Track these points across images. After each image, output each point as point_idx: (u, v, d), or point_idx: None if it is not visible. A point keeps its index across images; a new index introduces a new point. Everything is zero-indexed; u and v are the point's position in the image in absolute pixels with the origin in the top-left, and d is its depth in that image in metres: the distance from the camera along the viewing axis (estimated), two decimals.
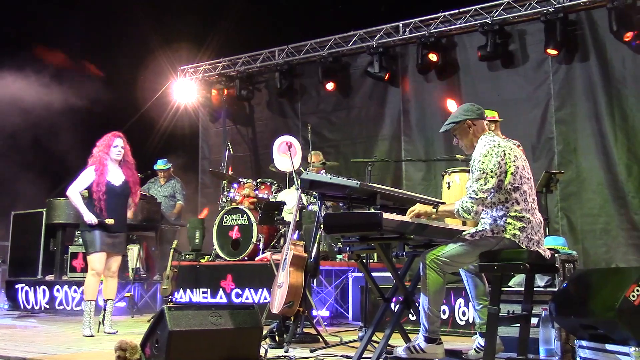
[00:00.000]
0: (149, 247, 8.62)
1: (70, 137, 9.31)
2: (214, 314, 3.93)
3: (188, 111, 11.24)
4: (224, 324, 3.93)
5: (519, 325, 3.93)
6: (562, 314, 3.90)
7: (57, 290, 8.32)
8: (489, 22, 8.28)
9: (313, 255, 5.22)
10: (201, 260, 7.91)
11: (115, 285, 6.10)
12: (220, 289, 7.36)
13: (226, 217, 7.72)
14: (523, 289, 4.07)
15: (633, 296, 3.47)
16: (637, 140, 7.55)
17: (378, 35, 9.24)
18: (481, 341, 4.05)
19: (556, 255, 4.31)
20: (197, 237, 8.11)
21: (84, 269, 7.82)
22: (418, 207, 3.89)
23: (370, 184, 4.05)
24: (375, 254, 6.57)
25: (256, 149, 10.70)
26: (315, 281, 7.02)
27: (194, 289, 7.59)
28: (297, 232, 6.51)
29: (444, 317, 5.74)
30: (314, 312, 6.19)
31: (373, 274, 4.58)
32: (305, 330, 5.39)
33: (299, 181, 6.41)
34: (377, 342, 4.10)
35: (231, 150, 9.13)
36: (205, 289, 7.51)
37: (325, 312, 6.99)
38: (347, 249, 4.16)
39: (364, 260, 5.43)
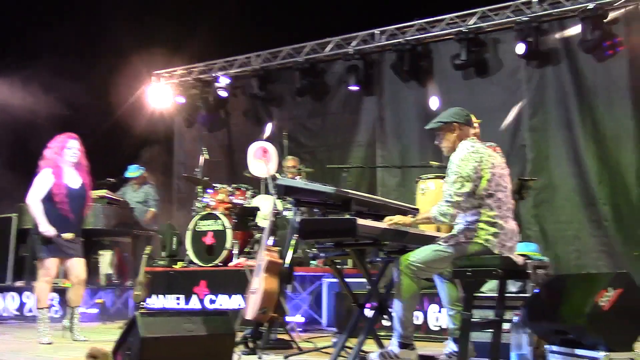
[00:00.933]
0: (121, 253, 8.54)
1: (41, 142, 9.18)
2: (187, 321, 3.90)
3: (163, 116, 11.15)
4: (197, 331, 3.90)
5: (491, 330, 3.96)
6: (533, 320, 3.94)
7: (27, 297, 8.18)
8: (464, 30, 8.38)
9: (287, 261, 5.21)
10: (174, 266, 7.85)
11: (82, 292, 5.96)
12: (194, 295, 7.30)
13: (200, 223, 7.67)
14: (495, 295, 4.11)
15: (603, 302, 3.52)
16: (607, 149, 7.69)
17: (354, 42, 9.28)
18: (454, 346, 4.08)
19: (528, 261, 4.35)
20: (174, 243, 8.04)
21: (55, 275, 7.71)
22: (396, 218, 3.93)
23: (345, 190, 4.07)
24: (349, 260, 6.59)
25: (231, 154, 10.66)
26: (289, 287, 7.00)
27: (167, 295, 7.52)
28: (271, 238, 6.50)
29: (418, 322, 5.76)
30: (288, 318, 6.18)
31: (347, 279, 4.59)
32: (279, 336, 5.37)
33: (274, 187, 6.40)
34: (351, 348, 4.10)
35: (206, 155, 9.09)
36: (178, 295, 7.45)
37: (299, 318, 6.98)
38: (322, 254, 4.17)
39: (339, 266, 5.44)
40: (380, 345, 4.27)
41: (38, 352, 5.04)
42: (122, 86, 10.66)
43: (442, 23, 8.68)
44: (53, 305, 7.67)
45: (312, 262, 7.13)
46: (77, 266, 5.82)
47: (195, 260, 7.59)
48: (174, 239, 8.03)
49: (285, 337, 5.31)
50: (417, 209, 4.38)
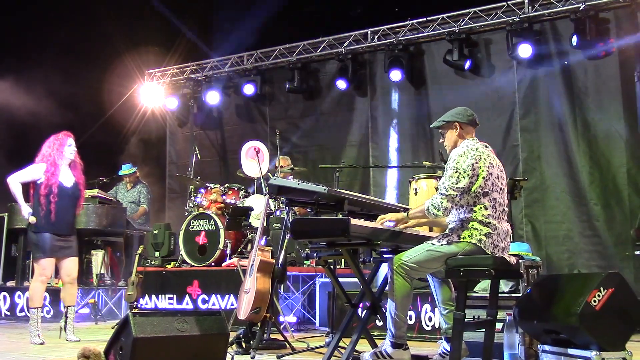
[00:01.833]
0: (113, 253, 8.51)
1: (32, 141, 9.14)
2: (179, 320, 3.88)
3: (155, 115, 11.13)
4: (189, 331, 3.89)
5: (484, 330, 3.96)
6: (525, 319, 3.95)
7: (19, 297, 8.13)
8: (456, 30, 8.40)
9: (280, 261, 5.20)
10: (167, 266, 7.82)
11: (75, 291, 5.96)
12: (187, 295, 7.28)
13: (193, 223, 7.65)
14: (488, 295, 4.12)
15: (594, 301, 3.53)
16: (598, 149, 7.72)
17: (347, 42, 9.29)
18: (447, 346, 4.08)
19: (520, 261, 4.36)
20: (171, 243, 8.01)
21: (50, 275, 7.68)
22: (389, 216, 3.96)
23: (338, 190, 4.06)
24: (342, 260, 6.58)
25: (224, 154, 10.65)
26: (282, 287, 6.99)
27: (160, 295, 7.50)
28: (264, 238, 6.48)
29: (411, 322, 5.76)
30: (281, 318, 6.17)
31: (340, 279, 4.59)
32: (272, 336, 5.37)
33: (266, 186, 6.39)
34: (344, 348, 4.10)
35: (199, 155, 9.06)
36: (171, 295, 7.43)
37: (292, 318, 6.98)
38: (315, 254, 4.16)
39: (332, 266, 5.43)
40: (374, 345, 4.27)
41: (29, 352, 5.01)
42: (114, 85, 10.62)
43: (434, 23, 8.69)
44: (45, 306, 7.64)
45: (305, 262, 7.12)
46: (70, 265, 5.82)
47: (188, 260, 7.57)
48: (172, 239, 8.00)
49: (278, 336, 5.31)
50: (409, 209, 4.38)
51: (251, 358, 4.63)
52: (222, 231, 7.37)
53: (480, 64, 8.56)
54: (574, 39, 7.67)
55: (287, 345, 5.09)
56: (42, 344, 5.48)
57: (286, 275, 5.88)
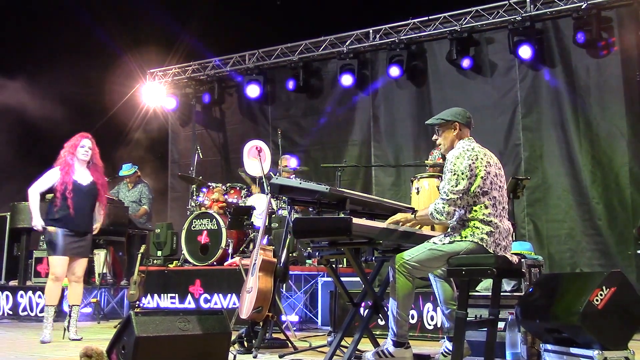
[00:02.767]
0: (116, 252, 8.51)
1: (36, 141, 9.18)
2: (181, 320, 3.89)
3: (157, 115, 11.15)
4: (192, 330, 3.89)
5: (486, 329, 3.96)
6: (527, 318, 3.95)
7: (21, 296, 8.15)
8: (458, 29, 8.39)
9: (282, 260, 5.21)
10: (169, 265, 7.83)
11: (81, 291, 6.00)
12: (189, 294, 7.29)
13: (195, 222, 7.66)
14: (490, 294, 4.12)
15: (597, 300, 3.53)
16: (600, 148, 7.71)
17: (348, 41, 9.28)
18: (449, 345, 4.08)
19: (522, 260, 4.36)
20: (174, 243, 8.02)
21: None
22: (398, 216, 3.98)
23: (340, 189, 4.06)
24: (344, 259, 6.58)
25: (226, 153, 10.66)
26: (284, 286, 6.99)
27: (162, 295, 7.51)
28: (266, 237, 6.49)
29: (413, 321, 5.77)
30: (283, 317, 6.17)
31: (342, 278, 4.59)
32: (274, 335, 5.37)
33: (268, 186, 6.39)
34: (346, 347, 4.10)
35: (201, 154, 9.07)
36: (173, 295, 7.44)
37: (294, 317, 6.98)
38: (317, 253, 4.16)
39: (334, 265, 5.43)
40: (376, 344, 4.27)
41: (31, 352, 5.01)
42: (116, 85, 10.63)
43: (436, 22, 8.68)
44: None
45: (307, 261, 7.12)
46: (80, 265, 5.87)
47: (190, 260, 7.58)
48: (175, 239, 8.01)
49: (280, 336, 5.31)
50: (412, 208, 4.38)
51: (253, 357, 4.63)
52: (224, 230, 7.38)
53: (482, 62, 8.56)
54: (576, 37, 7.65)
55: (289, 345, 5.10)
56: (50, 342, 5.51)
57: (288, 275, 5.88)
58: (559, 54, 8.05)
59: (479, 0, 8.42)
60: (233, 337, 4.72)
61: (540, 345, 3.96)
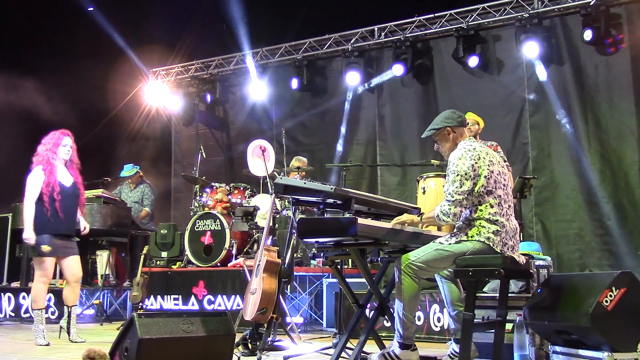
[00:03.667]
0: (118, 253, 8.53)
1: (35, 141, 9.19)
2: (185, 321, 3.90)
3: (160, 114, 11.17)
4: (195, 332, 3.90)
5: (493, 331, 3.95)
6: (536, 320, 3.94)
7: (23, 298, 8.17)
8: (464, 27, 8.37)
9: (287, 261, 5.21)
10: (172, 266, 7.84)
11: (78, 291, 5.95)
12: (192, 296, 7.30)
13: (198, 223, 7.67)
14: (497, 295, 4.11)
15: (606, 301, 3.52)
16: (609, 147, 7.68)
17: (353, 39, 9.28)
18: (456, 347, 4.08)
19: (530, 260, 4.35)
20: (181, 244, 8.01)
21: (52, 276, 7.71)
22: (405, 217, 4.00)
23: (345, 189, 4.06)
24: (349, 260, 6.58)
25: (230, 153, 10.67)
26: (289, 287, 7.00)
27: (165, 296, 7.52)
28: (270, 238, 6.49)
29: (419, 323, 5.76)
30: (288, 319, 6.18)
31: (347, 279, 4.59)
32: (278, 337, 5.37)
33: (272, 186, 6.40)
34: (352, 349, 4.10)
35: (204, 154, 9.08)
36: (176, 296, 7.45)
37: (299, 319, 6.98)
38: (322, 254, 4.16)
39: (339, 266, 5.43)
40: (382, 346, 4.27)
41: (34, 354, 5.03)
42: (118, 84, 10.65)
43: (442, 20, 8.67)
44: (50, 307, 7.67)
45: (311, 262, 7.12)
46: (73, 264, 5.81)
47: (194, 261, 7.58)
48: (182, 240, 8.02)
49: (285, 337, 5.31)
50: (419, 208, 4.38)
51: (257, 359, 4.63)
52: (227, 231, 7.38)
53: (489, 60, 8.54)
54: (585, 34, 7.63)
55: (294, 347, 5.09)
56: (48, 345, 5.50)
57: (293, 276, 5.88)
58: (567, 51, 8.02)
59: None
60: (237, 339, 4.72)
61: (549, 347, 3.95)
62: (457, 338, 4.02)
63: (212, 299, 7.16)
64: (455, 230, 3.93)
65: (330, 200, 3.94)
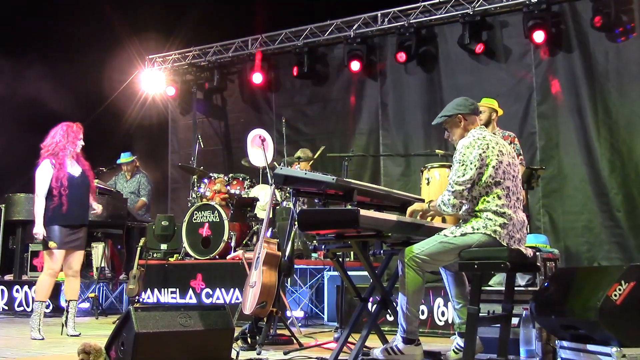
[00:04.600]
0: (114, 245, 8.54)
1: (30, 129, 9.19)
2: (183, 315, 3.91)
3: (156, 103, 11.14)
4: (193, 326, 3.91)
5: (499, 325, 3.97)
6: (542, 314, 3.95)
7: (17, 291, 8.20)
8: (470, 12, 8.33)
9: (287, 253, 5.22)
10: (170, 258, 7.85)
11: (78, 285, 6.03)
12: (190, 289, 7.31)
13: (196, 214, 7.68)
14: (503, 289, 4.12)
15: (615, 295, 3.52)
16: (620, 136, 7.66)
17: (356, 25, 9.25)
18: (460, 342, 4.09)
19: (537, 253, 4.36)
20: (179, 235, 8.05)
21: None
22: (416, 206, 4.07)
23: (347, 180, 4.06)
24: (352, 253, 6.59)
25: (228, 142, 10.65)
26: (289, 281, 7.01)
27: (162, 289, 7.54)
28: (270, 230, 6.49)
29: (423, 317, 5.78)
30: (288, 313, 6.19)
31: (349, 273, 4.60)
32: (278, 331, 5.39)
33: (272, 176, 6.39)
34: (354, 344, 4.11)
35: (202, 144, 9.07)
36: (174, 289, 7.47)
37: (299, 313, 7.00)
38: (323, 247, 4.16)
39: (340, 259, 5.44)
40: (384, 341, 4.28)
41: (28, 348, 5.05)
42: (114, 72, 10.63)
43: (447, 5, 8.63)
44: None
45: (312, 254, 7.14)
46: (76, 258, 5.90)
47: (192, 253, 7.60)
48: (182, 230, 8.03)
49: (285, 332, 5.33)
50: (422, 199, 4.38)
51: (257, 354, 4.65)
52: (226, 223, 7.39)
53: (496, 47, 8.49)
54: (594, 21, 7.59)
55: (294, 341, 5.12)
56: (42, 339, 5.53)
57: (293, 269, 5.89)
58: (576, 38, 7.98)
59: None
60: (236, 334, 4.73)
61: (556, 342, 3.96)
62: (462, 332, 4.03)
63: (211, 292, 7.18)
64: (460, 222, 3.93)
65: (332, 192, 3.94)
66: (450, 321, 5.65)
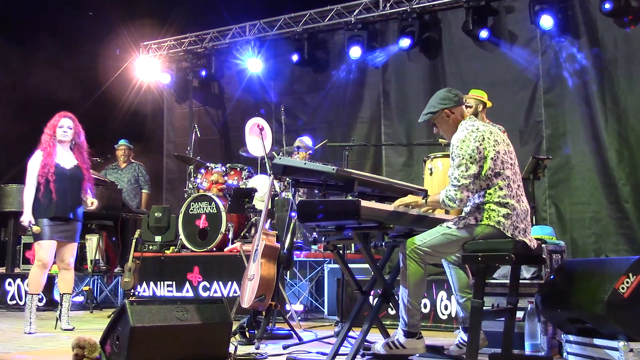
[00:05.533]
0: (109, 237, 8.55)
1: (22, 119, 9.18)
2: (179, 309, 3.92)
3: (151, 90, 11.13)
4: (190, 319, 3.92)
5: (503, 319, 3.98)
6: (548, 307, 3.96)
7: (9, 284, 8.21)
8: None
9: (286, 245, 5.22)
10: (166, 251, 7.86)
11: (72, 278, 6.04)
12: (187, 282, 7.33)
13: (193, 205, 7.68)
14: (508, 281, 4.12)
15: (622, 288, 3.53)
16: (628, 125, 7.65)
17: (357, 11, 9.22)
18: (464, 336, 4.10)
19: (543, 245, 4.36)
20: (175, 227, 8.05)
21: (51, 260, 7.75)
22: (409, 198, 3.98)
23: (348, 170, 4.06)
24: (352, 245, 6.60)
25: (225, 132, 10.64)
26: (288, 273, 7.03)
27: (158, 282, 7.55)
28: (269, 221, 6.50)
29: (425, 310, 5.79)
30: (287, 306, 6.21)
31: (350, 265, 4.61)
32: (277, 325, 5.41)
33: (270, 166, 6.39)
34: (354, 338, 4.12)
35: (198, 133, 9.07)
36: (170, 282, 7.48)
37: (299, 306, 7.02)
38: (323, 239, 4.17)
39: (341, 251, 5.45)
40: (386, 334, 4.30)
41: (21, 343, 5.06)
42: (107, 59, 10.60)
43: None
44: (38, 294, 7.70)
45: (312, 246, 7.15)
46: (68, 251, 5.92)
47: (188, 245, 7.61)
48: (178, 222, 8.04)
49: (284, 326, 5.34)
50: (425, 190, 4.38)
51: (255, 348, 4.66)
52: (223, 214, 7.40)
53: (501, 33, 8.46)
54: (603, 6, 7.57)
55: (294, 335, 5.13)
56: (34, 333, 5.55)
57: (292, 261, 5.91)
58: (584, 23, 7.95)
59: None
60: (234, 327, 4.75)
61: (562, 336, 3.98)
62: (466, 326, 4.04)
63: (208, 285, 7.20)
64: (463, 213, 3.93)
65: (332, 182, 3.94)
66: (453, 315, 5.67)
